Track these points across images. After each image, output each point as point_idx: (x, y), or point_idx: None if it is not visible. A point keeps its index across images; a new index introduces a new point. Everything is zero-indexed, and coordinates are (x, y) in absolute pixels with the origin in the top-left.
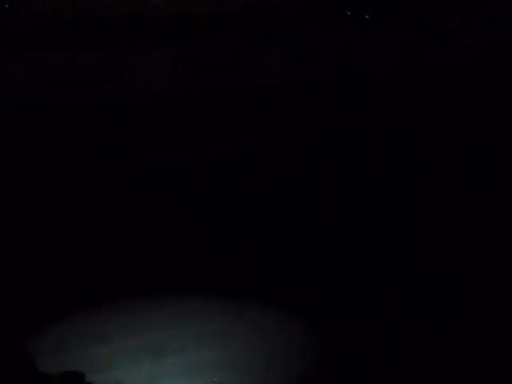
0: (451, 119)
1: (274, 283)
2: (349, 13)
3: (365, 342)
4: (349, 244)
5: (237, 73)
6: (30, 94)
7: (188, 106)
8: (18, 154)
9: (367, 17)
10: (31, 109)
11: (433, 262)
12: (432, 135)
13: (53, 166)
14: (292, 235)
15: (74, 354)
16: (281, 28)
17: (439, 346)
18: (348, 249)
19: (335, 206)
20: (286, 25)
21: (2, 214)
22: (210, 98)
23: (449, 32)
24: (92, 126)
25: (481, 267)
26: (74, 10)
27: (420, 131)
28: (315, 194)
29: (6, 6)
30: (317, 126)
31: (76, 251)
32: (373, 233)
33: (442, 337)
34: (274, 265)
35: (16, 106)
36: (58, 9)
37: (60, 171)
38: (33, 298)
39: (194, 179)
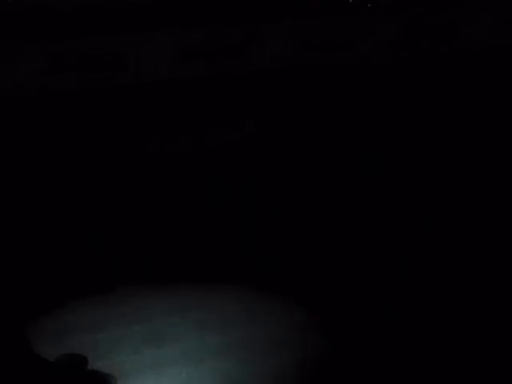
0: (453, 110)
1: (275, 271)
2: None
3: (365, 332)
4: (351, 237)
5: (237, 59)
6: (30, 80)
7: (187, 92)
8: (19, 143)
9: (369, 5)
10: (30, 96)
11: (433, 263)
12: (433, 128)
13: (52, 156)
14: (294, 224)
15: (74, 341)
16: (281, 14)
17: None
18: (349, 242)
19: (337, 196)
20: (287, 11)
21: (5, 205)
22: (210, 84)
23: (451, 20)
24: (88, 113)
25: (482, 268)
26: None
27: (421, 123)
28: (316, 185)
29: None
30: (316, 115)
31: (76, 240)
32: (371, 229)
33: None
34: (275, 253)
35: (15, 94)
36: None
37: (59, 161)
38: (32, 285)
39: (194, 167)
